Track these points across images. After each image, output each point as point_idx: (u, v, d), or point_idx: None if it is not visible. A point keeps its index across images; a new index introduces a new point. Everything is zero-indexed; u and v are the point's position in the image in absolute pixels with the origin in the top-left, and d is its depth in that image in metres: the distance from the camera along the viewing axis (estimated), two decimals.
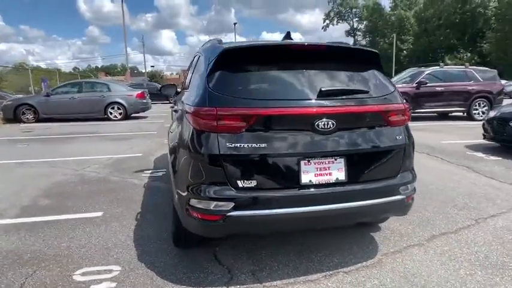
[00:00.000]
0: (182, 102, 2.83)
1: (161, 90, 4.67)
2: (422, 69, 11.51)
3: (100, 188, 4.34)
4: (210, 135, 2.05)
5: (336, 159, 2.14)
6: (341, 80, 2.29)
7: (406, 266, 2.47)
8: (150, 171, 5.15)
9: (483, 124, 6.53)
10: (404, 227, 3.08)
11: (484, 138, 6.42)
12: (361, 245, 2.76)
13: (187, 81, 3.71)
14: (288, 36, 3.00)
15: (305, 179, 2.09)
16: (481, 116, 10.22)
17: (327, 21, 75.38)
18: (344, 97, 2.17)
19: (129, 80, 32.09)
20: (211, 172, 2.05)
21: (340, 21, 76.01)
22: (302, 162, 2.08)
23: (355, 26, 75.71)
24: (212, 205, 2.05)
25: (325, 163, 2.12)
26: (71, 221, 3.33)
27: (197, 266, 2.50)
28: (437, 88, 10.72)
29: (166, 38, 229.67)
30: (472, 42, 54.43)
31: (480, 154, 6.04)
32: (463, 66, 11.66)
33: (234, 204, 2.02)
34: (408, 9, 63.61)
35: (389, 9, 67.94)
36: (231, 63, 2.22)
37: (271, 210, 2.03)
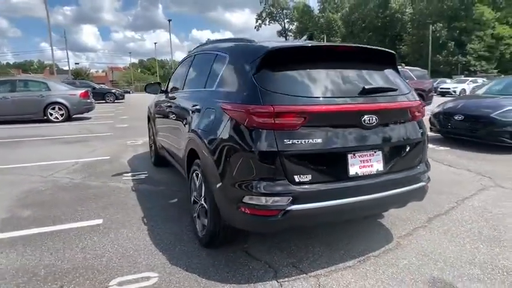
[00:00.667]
0: (205, 100, 2.78)
1: (146, 88, 4.50)
2: None
3: (83, 194, 4.00)
4: (267, 132, 2.09)
5: (375, 152, 2.32)
6: (373, 78, 2.48)
7: (422, 245, 2.76)
8: (130, 174, 4.88)
9: (430, 118, 7.37)
10: (403, 213, 3.40)
11: (431, 130, 7.25)
12: (377, 232, 3.01)
13: (189, 80, 3.64)
14: (310, 37, 3.12)
15: (352, 171, 2.24)
16: None
17: (259, 21, 77.03)
18: (382, 94, 2.38)
19: (55, 78, 29.27)
20: (269, 168, 2.09)
21: (272, 21, 78.25)
22: (349, 156, 2.23)
23: (286, 27, 78.54)
24: (271, 200, 2.09)
25: (367, 156, 2.29)
26: (71, 231, 3.05)
27: (236, 264, 2.50)
28: None
29: (88, 34, 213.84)
30: (392, 45, 60.00)
31: (431, 145, 6.82)
32: (400, 66, 12.90)
33: (291, 198, 2.09)
34: (336, 12, 67.84)
35: (318, 11, 71.79)
36: (277, 62, 2.27)
37: (325, 203, 2.14)
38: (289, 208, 2.08)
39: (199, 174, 2.69)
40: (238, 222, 2.31)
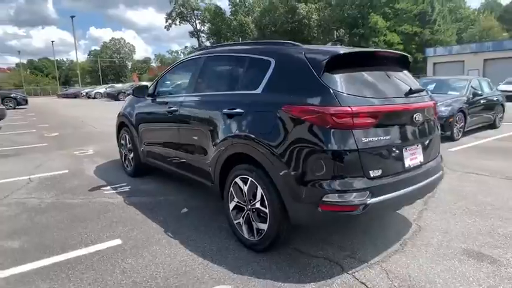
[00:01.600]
0: (251, 103, 2.72)
1: (134, 92, 4.19)
2: None
3: (73, 214, 3.50)
4: (347, 132, 2.19)
5: (418, 146, 2.61)
6: (406, 80, 2.76)
7: (440, 225, 3.15)
8: (110, 187, 4.40)
9: None
10: None
11: None
12: (395, 221, 3.31)
13: (205, 83, 3.51)
14: (339, 40, 3.26)
15: (406, 163, 2.48)
16: None
17: (170, 21, 74.96)
18: (419, 94, 2.68)
19: None
20: (350, 166, 2.20)
21: (183, 21, 76.87)
22: (403, 150, 2.47)
23: (198, 28, 77.96)
24: (352, 196, 2.19)
25: (414, 149, 2.57)
26: (92, 256, 2.68)
27: (298, 263, 2.54)
28: None
29: None
30: None
31: None
32: None
33: (369, 193, 2.22)
34: (247, 15, 69.86)
35: (230, 13, 72.95)
36: (341, 66, 2.38)
37: (393, 194, 2.34)
38: (369, 202, 2.22)
39: (251, 179, 2.63)
40: (317, 221, 2.38)
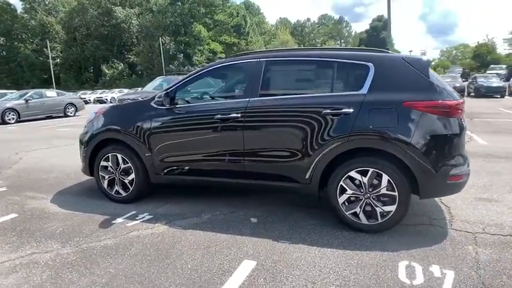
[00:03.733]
0: (360, 102, 2.94)
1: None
2: (175, 77, 12.94)
3: (146, 258, 2.73)
4: (460, 119, 2.88)
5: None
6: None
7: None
8: (121, 219, 3.49)
9: None
10: None
11: None
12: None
13: (280, 86, 3.47)
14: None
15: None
16: None
17: None
18: None
19: None
20: (461, 145, 2.94)
21: None
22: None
23: None
24: (464, 167, 2.91)
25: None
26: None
27: (410, 232, 3.03)
28: None
29: None
30: (121, 54, 60.60)
31: None
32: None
33: (467, 164, 3.01)
34: (49, 14, 60.24)
35: (22, 10, 61.02)
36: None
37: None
38: (468, 171, 2.98)
39: (373, 170, 2.90)
40: (445, 191, 2.93)
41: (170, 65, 48.73)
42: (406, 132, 2.83)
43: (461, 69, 41.30)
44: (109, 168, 3.95)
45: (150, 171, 3.77)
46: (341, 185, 3.03)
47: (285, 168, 3.25)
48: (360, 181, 2.98)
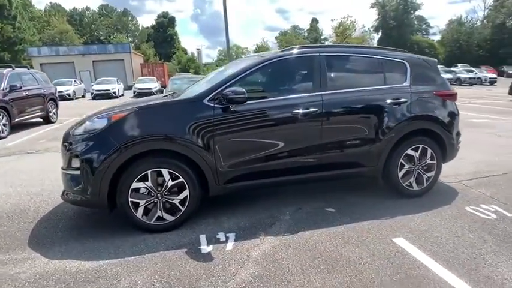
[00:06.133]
0: (409, 92, 3.61)
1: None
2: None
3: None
4: (456, 104, 4.08)
5: None
6: None
7: None
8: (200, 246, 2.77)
9: None
10: None
11: None
12: None
13: (341, 81, 3.62)
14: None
15: None
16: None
17: None
18: None
19: None
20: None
21: None
22: None
23: None
24: (459, 139, 4.17)
25: None
26: None
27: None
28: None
29: None
30: None
31: None
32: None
33: None
34: None
35: None
36: None
37: None
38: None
39: (423, 146, 3.68)
40: (454, 156, 4.07)
41: None
42: (441, 114, 3.77)
43: None
44: (145, 191, 2.98)
45: (211, 182, 3.15)
46: (401, 162, 3.67)
47: (356, 155, 3.56)
48: (413, 156, 3.71)
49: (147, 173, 2.95)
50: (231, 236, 3.00)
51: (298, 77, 3.62)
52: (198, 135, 3.04)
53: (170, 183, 3.02)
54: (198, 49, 77.04)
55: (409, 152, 3.69)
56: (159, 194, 3.01)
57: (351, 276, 2.38)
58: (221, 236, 3.00)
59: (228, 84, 3.19)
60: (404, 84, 3.73)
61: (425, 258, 2.57)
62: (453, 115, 3.90)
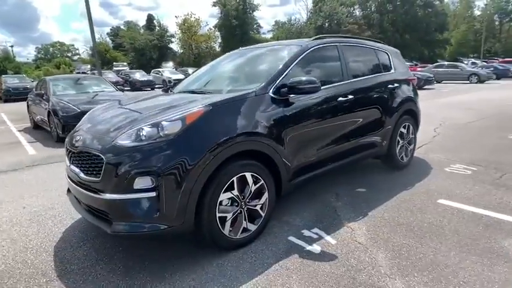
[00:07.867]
0: (396, 80, 4.19)
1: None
2: None
3: None
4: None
5: None
6: None
7: None
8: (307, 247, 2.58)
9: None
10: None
11: None
12: None
13: (357, 70, 3.85)
14: None
15: None
16: None
17: None
18: None
19: None
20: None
21: None
22: None
23: None
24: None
25: None
26: None
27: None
28: None
29: None
30: None
31: None
32: None
33: None
34: None
35: None
36: None
37: None
38: None
39: (409, 124, 4.39)
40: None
41: None
42: (414, 95, 4.55)
43: (88, 66, 42.53)
44: (227, 202, 2.56)
45: (285, 180, 2.94)
46: (397, 139, 4.27)
47: (374, 137, 3.93)
48: (403, 133, 4.36)
49: (232, 180, 2.52)
50: (318, 231, 2.88)
51: (331, 66, 3.68)
52: (272, 130, 2.78)
53: (253, 187, 2.66)
54: (3, 46, 59.76)
55: (401, 129, 4.30)
56: (242, 203, 2.62)
57: (447, 234, 2.72)
58: (311, 234, 2.85)
59: (285, 75, 3.01)
60: (391, 71, 4.31)
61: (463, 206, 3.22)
62: (417, 95, 4.72)
